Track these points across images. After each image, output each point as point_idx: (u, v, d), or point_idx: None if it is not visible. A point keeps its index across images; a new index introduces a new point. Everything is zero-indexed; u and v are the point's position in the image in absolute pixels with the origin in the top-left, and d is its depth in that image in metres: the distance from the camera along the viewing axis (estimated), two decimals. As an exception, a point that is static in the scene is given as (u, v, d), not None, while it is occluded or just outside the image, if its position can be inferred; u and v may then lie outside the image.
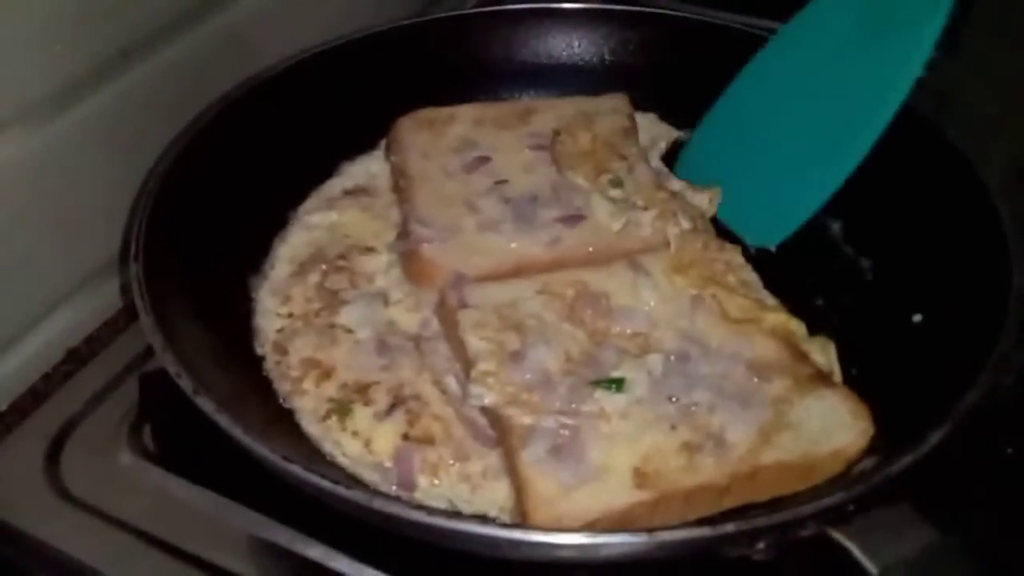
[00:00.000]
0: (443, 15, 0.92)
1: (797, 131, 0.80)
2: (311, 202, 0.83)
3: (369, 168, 0.86)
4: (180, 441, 0.72)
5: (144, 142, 0.78)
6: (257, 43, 0.87)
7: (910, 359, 0.68)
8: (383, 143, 0.87)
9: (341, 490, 0.54)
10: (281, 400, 0.69)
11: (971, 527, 0.58)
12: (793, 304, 0.72)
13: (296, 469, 0.55)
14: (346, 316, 0.74)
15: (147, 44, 0.79)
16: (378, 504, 0.54)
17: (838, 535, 0.53)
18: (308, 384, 0.70)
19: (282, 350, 0.72)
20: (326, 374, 0.70)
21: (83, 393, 0.77)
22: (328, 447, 0.66)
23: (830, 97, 0.78)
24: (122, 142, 0.79)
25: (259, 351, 0.73)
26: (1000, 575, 0.54)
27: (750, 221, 0.80)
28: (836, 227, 0.81)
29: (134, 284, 0.65)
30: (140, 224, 0.70)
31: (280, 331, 0.74)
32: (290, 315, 0.75)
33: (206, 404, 0.58)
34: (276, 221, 0.81)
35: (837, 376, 0.68)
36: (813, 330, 0.71)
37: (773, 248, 0.79)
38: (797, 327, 0.69)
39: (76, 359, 0.80)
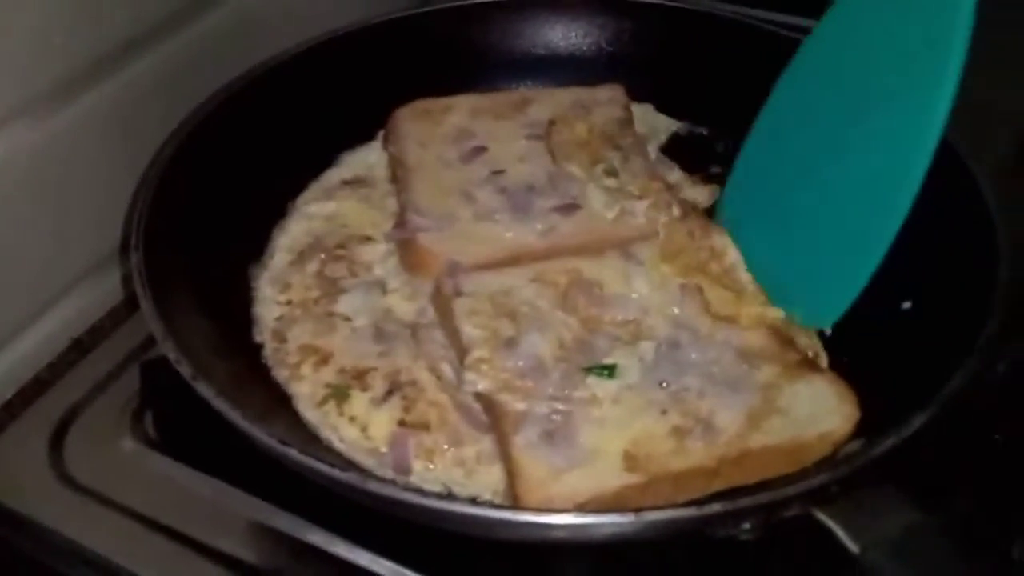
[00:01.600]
0: (441, 6, 0.93)
1: (842, 172, 0.69)
2: (310, 192, 0.84)
3: (367, 159, 0.87)
4: (181, 428, 0.74)
5: (145, 134, 0.79)
6: (256, 36, 0.88)
7: (899, 345, 0.68)
8: (381, 134, 0.88)
9: (336, 472, 0.55)
10: (280, 387, 0.70)
11: (952, 508, 0.59)
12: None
13: (292, 452, 0.56)
14: (344, 304, 0.75)
15: (148, 37, 0.80)
16: (372, 486, 0.55)
17: (822, 515, 0.54)
18: (306, 369, 0.71)
19: (281, 337, 0.73)
20: (324, 360, 0.71)
21: (86, 381, 0.78)
22: (326, 432, 0.67)
23: (871, 121, 0.68)
24: (123, 134, 0.81)
25: (258, 339, 0.74)
26: (979, 554, 0.54)
27: (799, 295, 0.70)
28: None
29: (135, 273, 0.66)
30: (140, 214, 0.71)
31: (279, 319, 0.75)
32: (289, 303, 0.76)
33: (205, 390, 0.59)
34: (275, 211, 0.82)
35: (823, 361, 0.69)
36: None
37: (828, 330, 0.70)
38: (775, 316, 0.70)
39: (80, 348, 0.81)
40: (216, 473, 0.70)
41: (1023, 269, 0.71)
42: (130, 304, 0.83)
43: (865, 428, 0.64)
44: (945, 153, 0.75)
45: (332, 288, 0.76)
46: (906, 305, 0.73)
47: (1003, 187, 0.78)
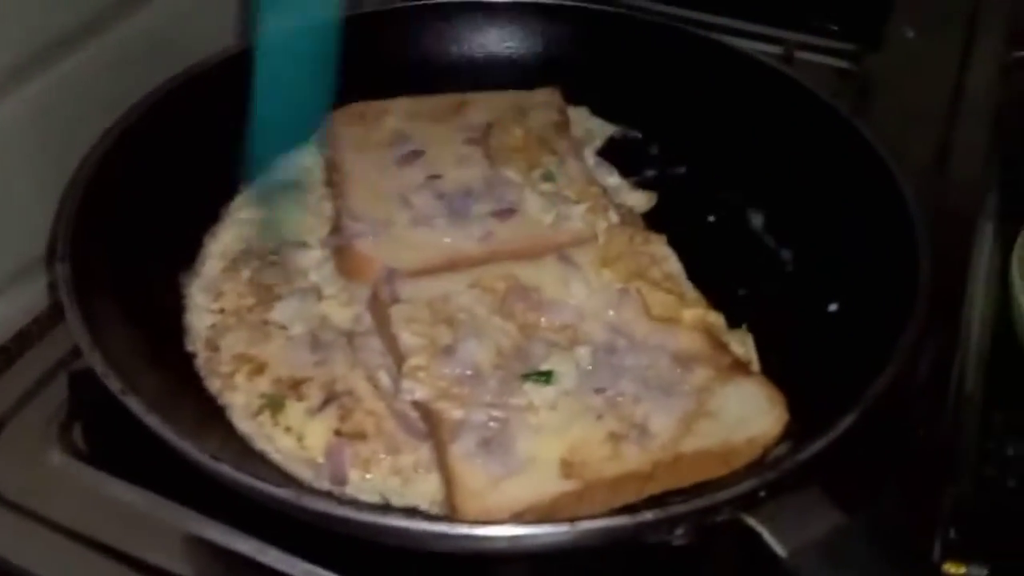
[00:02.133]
0: (374, 10, 0.92)
1: None
2: (242, 197, 0.83)
3: (302, 162, 0.86)
4: (111, 439, 0.72)
5: (71, 137, 0.77)
6: (187, 38, 0.86)
7: (825, 347, 0.70)
8: (315, 136, 0.87)
9: (271, 488, 0.55)
10: (213, 397, 0.70)
11: (877, 509, 0.61)
12: (716, 294, 0.74)
13: (226, 469, 0.55)
14: (279, 312, 0.74)
15: (75, 37, 0.78)
16: (306, 501, 0.55)
17: (751, 520, 0.55)
18: (240, 379, 0.70)
19: (213, 346, 0.72)
20: (258, 369, 0.70)
21: (12, 392, 0.76)
22: (261, 443, 0.67)
23: None
24: (48, 137, 0.78)
25: (190, 348, 0.73)
26: (903, 558, 0.56)
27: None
28: (758, 220, 0.84)
29: (60, 285, 0.65)
30: (66, 223, 0.69)
31: (212, 327, 0.74)
32: (222, 311, 0.75)
33: (135, 405, 0.58)
34: (207, 217, 0.81)
35: (755, 365, 0.70)
36: (735, 318, 0.73)
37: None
38: (715, 319, 0.71)
39: (5, 357, 0.79)
40: (148, 485, 0.68)
41: (944, 267, 0.74)
42: (57, 310, 0.81)
43: (793, 429, 0.65)
44: (867, 155, 0.78)
45: (266, 295, 0.75)
46: (832, 307, 0.75)
47: (923, 186, 0.81)
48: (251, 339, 0.72)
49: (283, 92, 0.73)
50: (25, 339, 0.80)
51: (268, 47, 0.71)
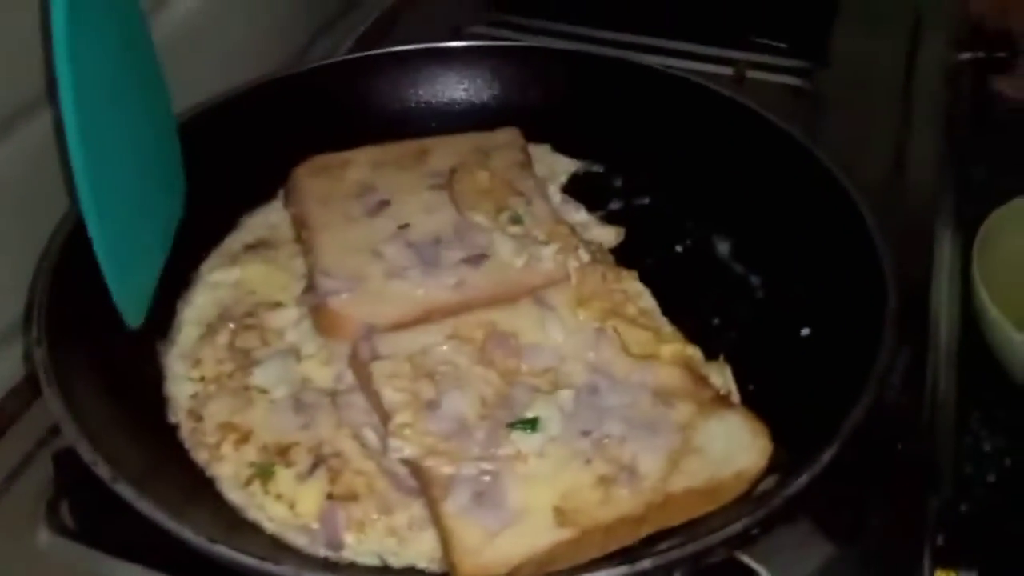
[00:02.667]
0: (326, 62, 0.93)
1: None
2: (212, 260, 0.83)
3: (268, 219, 0.86)
4: (100, 516, 0.71)
5: (39, 203, 0.77)
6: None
7: (801, 373, 0.72)
8: (281, 192, 0.87)
9: (269, 566, 0.55)
10: (201, 468, 0.69)
11: (866, 537, 0.63)
12: (691, 325, 0.75)
13: (223, 550, 0.55)
14: (259, 376, 0.74)
15: (36, 103, 0.78)
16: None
17: (747, 558, 0.56)
18: (227, 449, 0.70)
19: (196, 416, 0.72)
20: (244, 438, 0.70)
21: (-6, 471, 0.75)
22: (252, 513, 0.66)
23: None
24: (15, 205, 0.78)
25: (173, 419, 0.72)
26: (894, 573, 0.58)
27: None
28: (725, 247, 0.85)
29: (40, 370, 0.65)
30: (39, 303, 0.69)
31: (193, 396, 0.73)
32: (202, 379, 0.75)
33: (127, 492, 0.58)
34: (178, 282, 0.81)
35: (735, 397, 0.72)
36: (711, 348, 0.74)
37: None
38: (693, 353, 0.72)
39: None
40: (140, 560, 0.68)
41: (908, 273, 0.76)
42: (33, 383, 0.81)
43: (776, 457, 0.66)
44: (823, 177, 0.80)
45: (245, 360, 0.75)
46: (805, 331, 0.76)
47: (881, 195, 0.83)
48: (234, 406, 0.72)
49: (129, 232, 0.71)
50: (3, 413, 0.80)
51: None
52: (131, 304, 0.72)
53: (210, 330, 0.77)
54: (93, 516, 0.72)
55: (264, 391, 0.73)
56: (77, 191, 0.64)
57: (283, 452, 0.69)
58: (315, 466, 0.68)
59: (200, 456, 0.70)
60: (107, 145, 0.67)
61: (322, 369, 0.75)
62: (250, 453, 0.69)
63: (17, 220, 0.78)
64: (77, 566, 0.69)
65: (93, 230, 0.66)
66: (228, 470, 0.69)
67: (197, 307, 0.79)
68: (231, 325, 0.78)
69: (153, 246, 0.77)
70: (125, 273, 0.70)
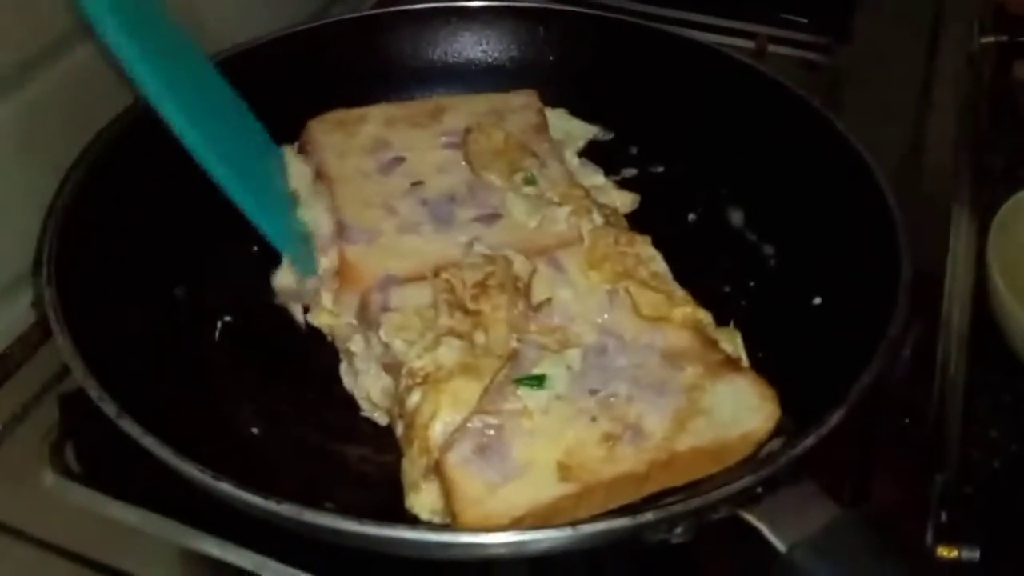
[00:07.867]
0: (346, 16, 0.93)
1: None
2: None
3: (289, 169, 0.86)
4: (104, 458, 0.72)
5: (45, 153, 0.77)
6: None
7: (811, 341, 0.72)
8: (296, 145, 0.87)
9: (272, 505, 0.55)
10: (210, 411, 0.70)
11: (871, 499, 0.62)
12: (702, 291, 0.75)
13: (227, 487, 0.55)
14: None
15: (45, 56, 0.77)
16: (309, 516, 0.55)
17: (749, 516, 0.56)
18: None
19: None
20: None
21: (1, 413, 0.75)
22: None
23: None
24: (21, 154, 0.78)
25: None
26: (898, 543, 0.57)
27: None
28: (738, 216, 0.85)
29: (49, 310, 0.64)
30: (50, 242, 0.69)
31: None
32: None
33: (132, 427, 0.58)
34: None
35: (744, 362, 0.71)
36: (722, 315, 0.74)
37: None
38: (704, 317, 0.72)
39: (-9, 375, 0.79)
40: (143, 502, 0.68)
41: (922, 253, 0.75)
42: (42, 328, 0.81)
43: (783, 423, 0.66)
44: (842, 147, 0.79)
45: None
46: (817, 300, 0.76)
47: (898, 175, 0.82)
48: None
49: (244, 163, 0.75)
50: (9, 361, 0.80)
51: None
52: (283, 237, 0.77)
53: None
54: (98, 459, 0.72)
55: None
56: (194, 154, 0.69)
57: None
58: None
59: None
60: (204, 106, 0.73)
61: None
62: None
63: (22, 171, 0.78)
64: (81, 508, 0.69)
65: (231, 189, 0.71)
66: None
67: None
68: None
69: (272, 174, 0.81)
70: (265, 210, 0.74)
